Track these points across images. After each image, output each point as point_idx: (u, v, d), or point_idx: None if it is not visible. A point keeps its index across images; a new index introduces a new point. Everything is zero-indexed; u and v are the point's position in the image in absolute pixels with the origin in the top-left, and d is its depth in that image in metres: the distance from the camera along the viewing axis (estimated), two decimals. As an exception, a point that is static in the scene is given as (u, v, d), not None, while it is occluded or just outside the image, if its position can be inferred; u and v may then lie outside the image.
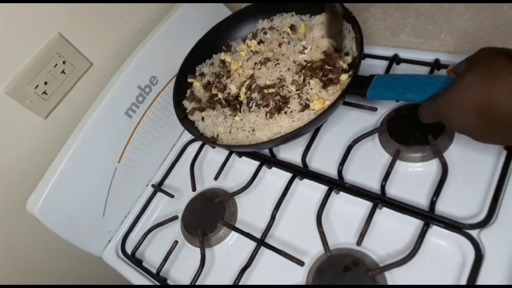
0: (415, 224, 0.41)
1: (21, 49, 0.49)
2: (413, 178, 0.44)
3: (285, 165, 0.52)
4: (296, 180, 0.50)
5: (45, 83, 0.52)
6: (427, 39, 0.50)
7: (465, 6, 0.45)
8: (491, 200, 0.39)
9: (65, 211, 0.51)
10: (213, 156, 0.61)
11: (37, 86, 0.51)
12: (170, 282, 0.51)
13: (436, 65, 0.49)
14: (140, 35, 0.59)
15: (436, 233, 0.40)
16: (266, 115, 0.49)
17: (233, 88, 0.55)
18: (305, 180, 0.50)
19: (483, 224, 0.38)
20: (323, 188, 0.47)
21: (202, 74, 0.59)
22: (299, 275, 0.43)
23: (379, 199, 0.43)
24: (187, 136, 0.65)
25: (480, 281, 0.36)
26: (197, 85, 0.59)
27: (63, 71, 0.53)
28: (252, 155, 0.55)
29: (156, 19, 0.60)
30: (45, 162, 0.51)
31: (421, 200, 0.42)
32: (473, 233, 0.38)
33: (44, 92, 0.52)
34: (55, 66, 0.52)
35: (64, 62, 0.53)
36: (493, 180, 0.40)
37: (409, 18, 0.50)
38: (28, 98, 0.51)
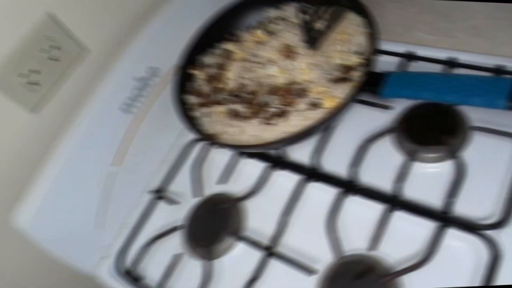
0: (430, 226, 0.40)
1: (4, 33, 0.43)
2: (429, 179, 0.43)
3: (294, 167, 0.50)
4: (306, 183, 0.48)
5: (33, 71, 0.45)
6: (442, 36, 0.49)
7: (482, 4, 0.44)
8: (508, 200, 0.38)
9: (55, 225, 0.46)
10: (217, 158, 0.56)
11: (24, 74, 0.45)
12: (172, 299, 0.48)
13: (451, 63, 0.49)
14: (139, 21, 0.54)
15: (452, 235, 0.39)
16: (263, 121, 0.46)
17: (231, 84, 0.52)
18: (316, 183, 0.48)
19: (500, 224, 0.37)
20: (335, 191, 0.45)
21: (204, 65, 0.55)
22: (310, 284, 0.42)
23: (394, 202, 0.42)
24: (188, 136, 0.60)
25: (499, 282, 0.35)
26: (200, 77, 0.55)
27: (53, 58, 0.46)
28: (259, 156, 0.52)
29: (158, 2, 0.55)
30: (31, 165, 0.46)
31: (437, 201, 0.41)
32: (491, 234, 0.37)
33: (33, 82, 0.46)
34: (44, 52, 0.45)
35: (54, 48, 0.46)
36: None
37: (425, 14, 0.49)
38: (13, 88, 0.44)
